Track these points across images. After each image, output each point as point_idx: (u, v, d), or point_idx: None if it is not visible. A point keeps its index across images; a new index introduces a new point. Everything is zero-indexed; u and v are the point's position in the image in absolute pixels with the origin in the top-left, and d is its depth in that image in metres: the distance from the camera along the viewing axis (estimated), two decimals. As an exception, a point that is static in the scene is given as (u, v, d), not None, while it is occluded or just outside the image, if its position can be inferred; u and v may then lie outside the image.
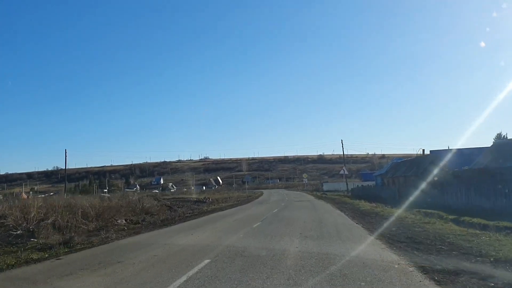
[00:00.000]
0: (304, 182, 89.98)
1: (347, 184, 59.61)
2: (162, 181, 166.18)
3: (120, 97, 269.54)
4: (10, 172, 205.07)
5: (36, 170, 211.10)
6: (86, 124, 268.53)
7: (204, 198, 43.18)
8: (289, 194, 62.55)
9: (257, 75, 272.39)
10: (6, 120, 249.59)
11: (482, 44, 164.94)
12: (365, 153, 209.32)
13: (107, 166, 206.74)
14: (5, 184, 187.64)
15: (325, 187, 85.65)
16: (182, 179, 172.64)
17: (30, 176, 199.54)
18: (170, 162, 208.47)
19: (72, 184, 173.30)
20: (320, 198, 45.88)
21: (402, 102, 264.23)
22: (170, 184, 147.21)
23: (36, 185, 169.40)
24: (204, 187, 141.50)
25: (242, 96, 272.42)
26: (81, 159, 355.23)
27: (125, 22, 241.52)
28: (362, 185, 54.81)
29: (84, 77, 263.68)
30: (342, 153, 62.33)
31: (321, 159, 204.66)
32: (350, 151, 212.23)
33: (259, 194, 64.21)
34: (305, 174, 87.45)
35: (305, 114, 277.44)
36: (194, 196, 47.39)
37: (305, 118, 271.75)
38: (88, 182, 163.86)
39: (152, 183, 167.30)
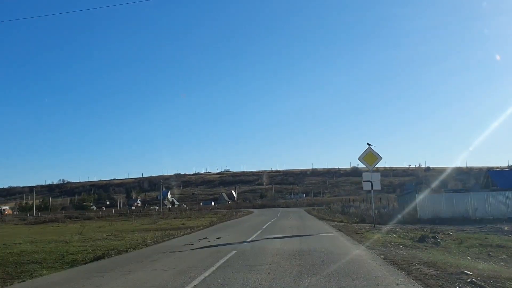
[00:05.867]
0: (369, 188, 21.47)
1: None
2: (169, 196, 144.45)
3: (139, 108, 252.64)
4: (13, 185, 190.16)
5: (45, 183, 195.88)
6: (100, 134, 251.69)
7: None
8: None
9: (284, 83, 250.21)
10: (14, 132, 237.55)
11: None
12: (406, 166, 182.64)
13: (116, 180, 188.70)
14: (3, 198, 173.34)
15: (422, 211, 26.90)
16: (193, 193, 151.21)
17: (32, 189, 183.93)
18: (184, 175, 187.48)
19: (69, 199, 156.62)
20: None
21: (446, 112, 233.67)
22: (172, 199, 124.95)
23: (29, 199, 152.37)
24: (213, 203, 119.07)
25: (267, 107, 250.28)
26: (89, 172, 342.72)
27: (139, 32, 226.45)
28: None
29: (96, 87, 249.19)
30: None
31: (355, 172, 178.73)
32: (388, 163, 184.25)
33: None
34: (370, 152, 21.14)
35: (337, 122, 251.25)
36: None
37: (336, 127, 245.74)
38: (85, 197, 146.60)
39: (158, 197, 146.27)
